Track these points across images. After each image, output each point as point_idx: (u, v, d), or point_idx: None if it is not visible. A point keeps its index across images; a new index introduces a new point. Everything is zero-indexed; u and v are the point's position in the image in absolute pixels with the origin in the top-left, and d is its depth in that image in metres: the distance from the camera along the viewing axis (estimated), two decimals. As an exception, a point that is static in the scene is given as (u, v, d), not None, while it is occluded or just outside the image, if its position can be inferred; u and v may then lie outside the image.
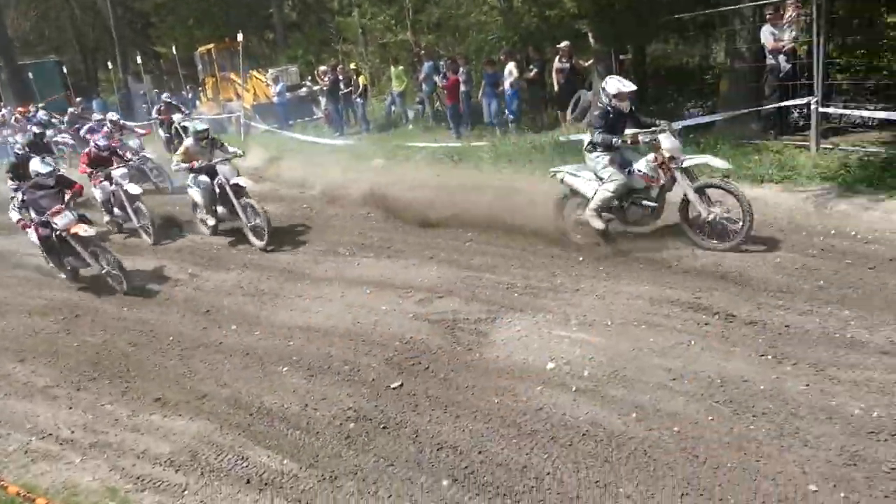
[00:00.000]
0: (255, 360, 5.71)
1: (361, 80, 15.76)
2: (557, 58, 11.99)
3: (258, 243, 8.42)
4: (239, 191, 8.53)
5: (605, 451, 4.01)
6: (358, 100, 15.57)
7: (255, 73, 19.57)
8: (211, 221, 9.02)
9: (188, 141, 9.00)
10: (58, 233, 7.57)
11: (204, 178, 8.71)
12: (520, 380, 4.81)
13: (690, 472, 3.76)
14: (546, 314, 5.65)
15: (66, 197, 7.72)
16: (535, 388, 4.67)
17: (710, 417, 4.14)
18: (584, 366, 4.82)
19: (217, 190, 8.63)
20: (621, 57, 11.33)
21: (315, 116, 17.88)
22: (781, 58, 9.31)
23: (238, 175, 8.77)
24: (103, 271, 7.67)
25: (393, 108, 15.88)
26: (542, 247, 7.08)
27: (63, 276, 8.20)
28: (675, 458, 3.88)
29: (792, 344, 4.75)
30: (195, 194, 8.92)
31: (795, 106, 9.23)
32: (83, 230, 7.51)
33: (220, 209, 8.87)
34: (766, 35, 9.37)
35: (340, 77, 15.75)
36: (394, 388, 4.95)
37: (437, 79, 13.87)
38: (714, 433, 4.01)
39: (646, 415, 4.25)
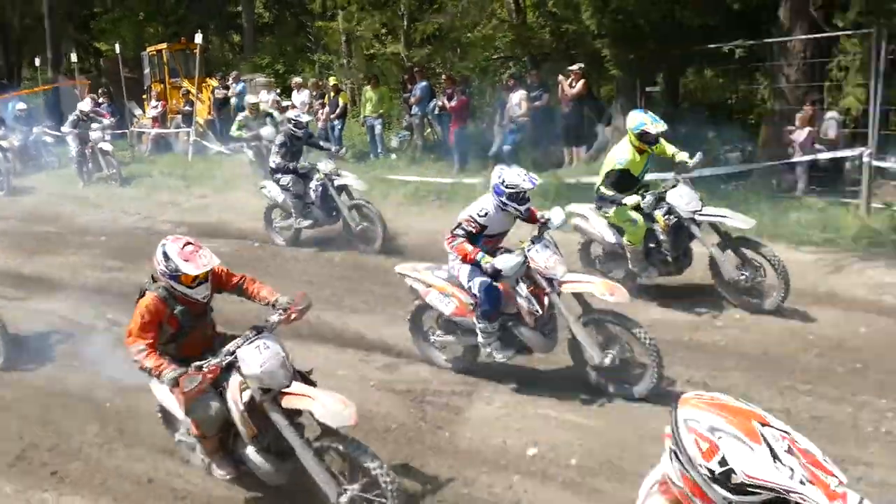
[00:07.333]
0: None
1: (342, 98, 13.34)
2: (567, 82, 10.52)
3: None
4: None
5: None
6: (336, 122, 13.07)
7: (212, 81, 16.26)
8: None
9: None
10: None
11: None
12: (495, 467, 4.04)
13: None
14: (533, 389, 4.79)
15: None
16: (511, 478, 3.91)
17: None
18: (571, 453, 4.06)
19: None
20: (647, 89, 9.96)
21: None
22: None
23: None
24: None
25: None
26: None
27: None
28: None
29: (816, 437, 3.56)
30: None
31: (846, 158, 7.98)
32: None
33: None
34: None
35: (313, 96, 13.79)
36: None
37: (440, 100, 11.89)
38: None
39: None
